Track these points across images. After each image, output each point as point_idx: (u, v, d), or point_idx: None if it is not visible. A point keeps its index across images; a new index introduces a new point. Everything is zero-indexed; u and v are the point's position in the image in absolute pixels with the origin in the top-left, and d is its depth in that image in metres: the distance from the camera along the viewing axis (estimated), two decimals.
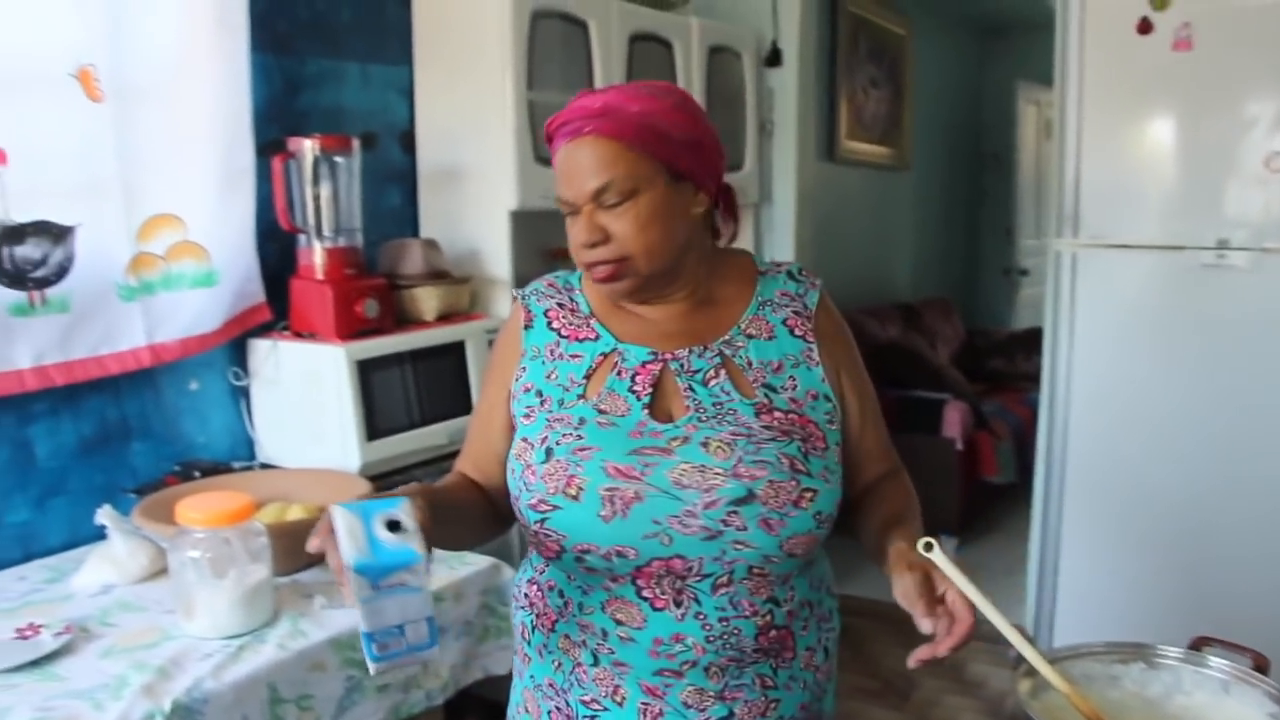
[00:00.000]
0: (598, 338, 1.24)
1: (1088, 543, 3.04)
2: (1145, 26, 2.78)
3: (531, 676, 1.27)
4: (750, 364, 1.22)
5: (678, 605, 1.14)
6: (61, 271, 1.93)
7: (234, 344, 2.26)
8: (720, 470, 1.13)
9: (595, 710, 1.20)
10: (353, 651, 1.60)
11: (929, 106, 6.08)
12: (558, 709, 1.24)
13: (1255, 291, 2.72)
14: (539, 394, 1.22)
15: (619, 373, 1.21)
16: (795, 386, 1.22)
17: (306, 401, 2.21)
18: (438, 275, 2.46)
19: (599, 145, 1.16)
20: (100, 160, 1.97)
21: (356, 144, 2.31)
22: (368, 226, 2.36)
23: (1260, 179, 2.69)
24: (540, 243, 2.75)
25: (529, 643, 1.27)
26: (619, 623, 1.16)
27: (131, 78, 2.00)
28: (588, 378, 1.21)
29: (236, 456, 2.29)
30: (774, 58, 3.60)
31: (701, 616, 1.14)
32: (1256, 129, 2.69)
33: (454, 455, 2.34)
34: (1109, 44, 2.85)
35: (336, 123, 2.48)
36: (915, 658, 1.03)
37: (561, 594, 1.22)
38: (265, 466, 2.26)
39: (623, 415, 1.17)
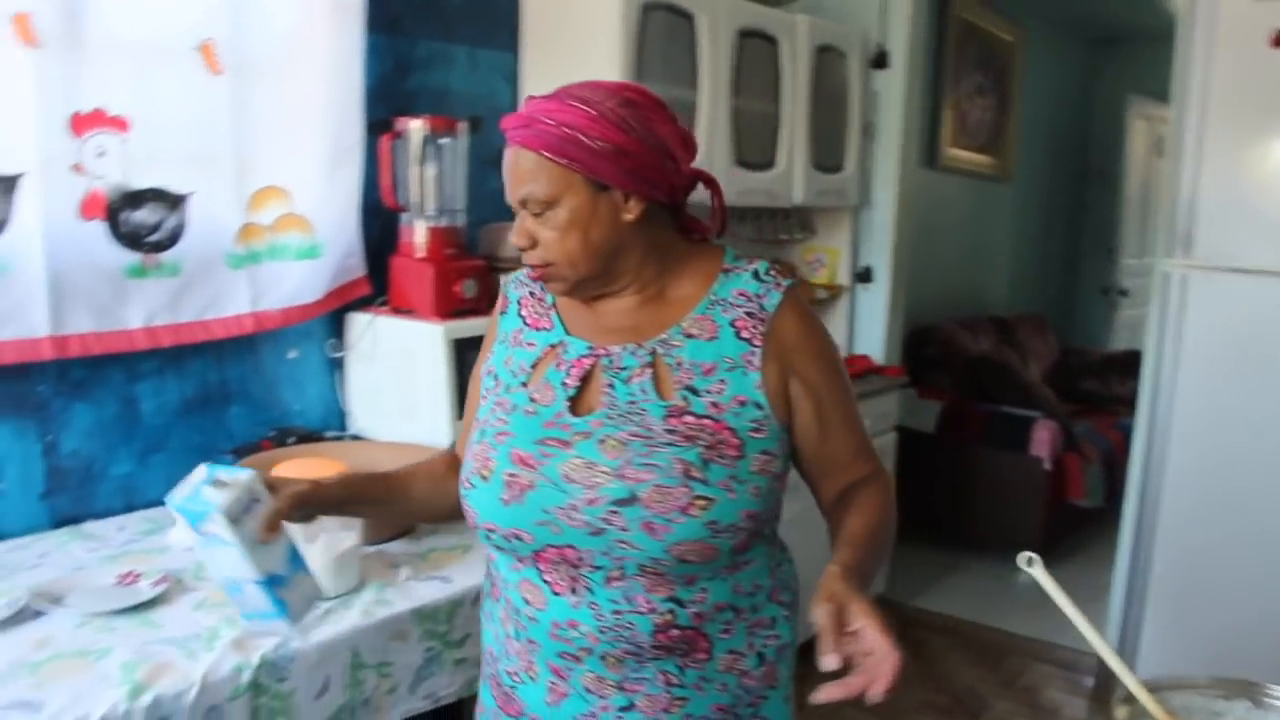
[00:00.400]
0: (551, 328, 1.28)
1: (1178, 575, 2.94)
2: None
3: (485, 641, 1.35)
4: (680, 364, 1.21)
5: (574, 593, 1.18)
6: (174, 237, 2.00)
7: (333, 316, 2.31)
8: (607, 469, 1.15)
9: (515, 682, 1.27)
10: (434, 624, 1.62)
11: (1035, 117, 5.94)
12: (493, 675, 1.32)
13: None
14: (495, 378, 1.29)
15: (558, 364, 1.24)
16: (722, 391, 1.20)
17: (400, 376, 2.25)
18: None
19: (522, 155, 1.19)
20: (216, 132, 2.03)
21: (463, 126, 2.34)
22: (469, 208, 2.39)
23: None
24: None
25: (483, 610, 1.36)
26: (526, 602, 1.21)
27: (250, 53, 2.06)
28: (534, 366, 1.26)
29: (329, 426, 2.34)
30: (880, 60, 3.56)
31: (595, 606, 1.17)
32: None
33: None
34: (1238, 56, 2.74)
35: (443, 105, 2.52)
36: (820, 695, 0.98)
37: (488, 571, 1.31)
38: (356, 438, 2.31)
39: (548, 405, 1.22)
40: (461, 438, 1.37)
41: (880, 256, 3.64)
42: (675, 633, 1.18)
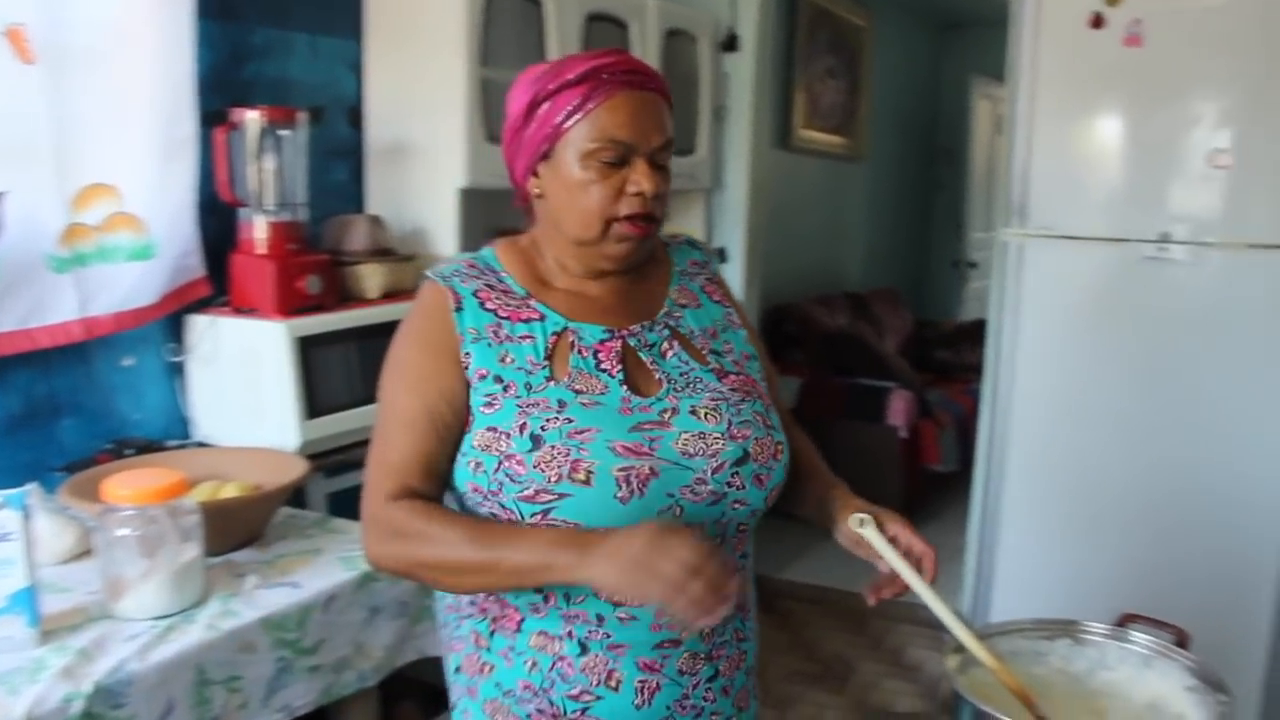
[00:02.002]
0: (543, 318, 1.21)
1: (1025, 528, 3.09)
2: (1098, 21, 2.80)
3: (498, 684, 1.21)
4: (693, 333, 1.26)
5: None
6: None
7: (171, 319, 2.21)
8: (718, 435, 1.16)
9: (586, 701, 1.17)
10: (284, 632, 1.57)
11: (885, 99, 6.11)
12: (539, 710, 1.19)
13: (1194, 285, 2.76)
14: (498, 379, 1.17)
15: (580, 352, 1.19)
16: (732, 350, 1.28)
17: (245, 379, 2.17)
18: (382, 252, 2.42)
19: (661, 105, 1.19)
20: (31, 126, 1.91)
21: (303, 117, 2.26)
22: (312, 202, 2.31)
23: (1203, 175, 2.73)
24: (489, 222, 2.72)
25: (489, 650, 1.22)
26: (617, 604, 1.14)
27: (66, 40, 1.94)
28: (549, 359, 1.18)
29: (172, 435, 2.24)
30: (731, 43, 3.59)
31: None
32: (1200, 126, 2.73)
33: None
34: (1062, 38, 2.87)
35: (283, 95, 2.43)
36: (882, 595, 1.15)
37: (539, 589, 1.16)
38: (201, 445, 2.22)
39: (602, 394, 1.17)
40: (403, 474, 1.16)
41: (734, 237, 3.69)
42: (744, 587, 1.22)
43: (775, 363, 1.38)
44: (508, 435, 1.14)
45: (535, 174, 1.22)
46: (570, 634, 1.17)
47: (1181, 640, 1.06)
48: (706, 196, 3.67)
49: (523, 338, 1.20)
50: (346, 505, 2.45)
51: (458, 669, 1.27)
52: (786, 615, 3.64)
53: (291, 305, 2.15)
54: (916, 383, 4.62)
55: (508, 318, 1.21)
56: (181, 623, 1.50)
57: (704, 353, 1.24)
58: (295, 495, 2.03)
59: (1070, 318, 2.97)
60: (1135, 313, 2.87)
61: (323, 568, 1.72)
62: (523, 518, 1.13)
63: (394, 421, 1.19)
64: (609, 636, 1.16)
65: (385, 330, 2.29)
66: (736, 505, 1.17)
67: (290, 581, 1.67)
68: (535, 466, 1.11)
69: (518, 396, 1.16)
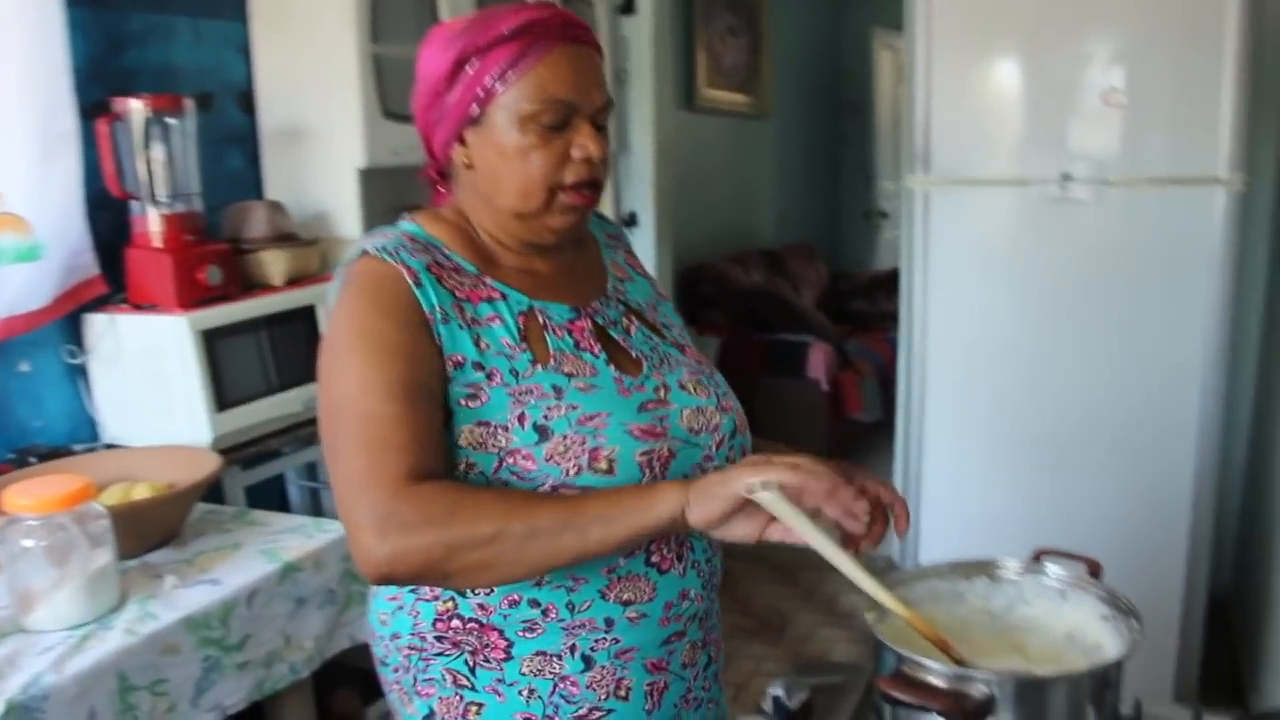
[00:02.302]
0: (504, 296, 1.09)
1: (948, 473, 3.15)
2: None
3: (503, 714, 1.09)
4: (641, 306, 1.20)
5: (679, 559, 1.10)
6: None
7: (67, 320, 2.13)
8: (713, 408, 1.13)
9: (596, 718, 1.09)
10: (208, 630, 1.54)
11: (788, 55, 6.13)
12: None
13: (1096, 222, 2.83)
14: (478, 366, 1.04)
15: (554, 332, 1.09)
16: (671, 323, 1.23)
17: (150, 376, 2.11)
18: (284, 238, 2.36)
19: (599, 61, 1.09)
20: None
21: (190, 104, 2.19)
22: (208, 191, 2.25)
23: (1099, 114, 2.79)
24: (391, 201, 2.67)
25: (472, 688, 1.08)
26: (626, 604, 1.06)
27: None
28: (524, 340, 1.07)
29: (78, 439, 2.17)
30: (628, 6, 3.56)
31: (696, 565, 1.12)
32: (1094, 65, 2.78)
33: (308, 423, 2.30)
34: None
35: (168, 82, 2.35)
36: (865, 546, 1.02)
37: (537, 604, 1.05)
38: (110, 447, 2.15)
39: (593, 376, 1.08)
40: (412, 436, 0.97)
41: (644, 200, 3.68)
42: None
43: (693, 324, 1.39)
44: (505, 429, 1.03)
45: (461, 142, 1.09)
46: (573, 648, 1.07)
47: (1094, 571, 1.09)
48: (613, 161, 3.65)
49: (490, 319, 1.07)
50: (265, 497, 2.41)
51: (429, 715, 1.11)
52: (722, 573, 3.68)
53: (192, 298, 2.09)
54: (835, 335, 4.68)
55: (467, 298, 1.08)
56: (99, 630, 1.46)
57: (658, 326, 1.19)
58: (212, 490, 1.99)
59: (979, 261, 3.02)
60: (1042, 253, 2.92)
61: (243, 562, 1.69)
62: None
63: (378, 397, 0.98)
64: (617, 642, 1.07)
65: (293, 317, 2.27)
66: None
67: (210, 579, 1.63)
68: (548, 460, 1.01)
69: (506, 385, 1.04)
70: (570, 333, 1.10)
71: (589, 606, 1.05)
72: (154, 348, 2.09)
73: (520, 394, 1.03)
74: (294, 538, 1.77)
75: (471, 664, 1.08)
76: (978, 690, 0.83)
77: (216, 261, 2.14)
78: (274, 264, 2.29)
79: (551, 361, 1.07)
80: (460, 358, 1.04)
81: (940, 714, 0.82)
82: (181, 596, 1.57)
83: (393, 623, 1.12)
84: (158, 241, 2.13)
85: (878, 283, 5.73)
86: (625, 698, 1.09)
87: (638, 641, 1.08)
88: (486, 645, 1.07)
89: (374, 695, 2.19)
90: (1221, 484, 2.82)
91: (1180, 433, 2.73)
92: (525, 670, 1.07)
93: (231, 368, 2.10)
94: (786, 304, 4.73)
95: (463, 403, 1.03)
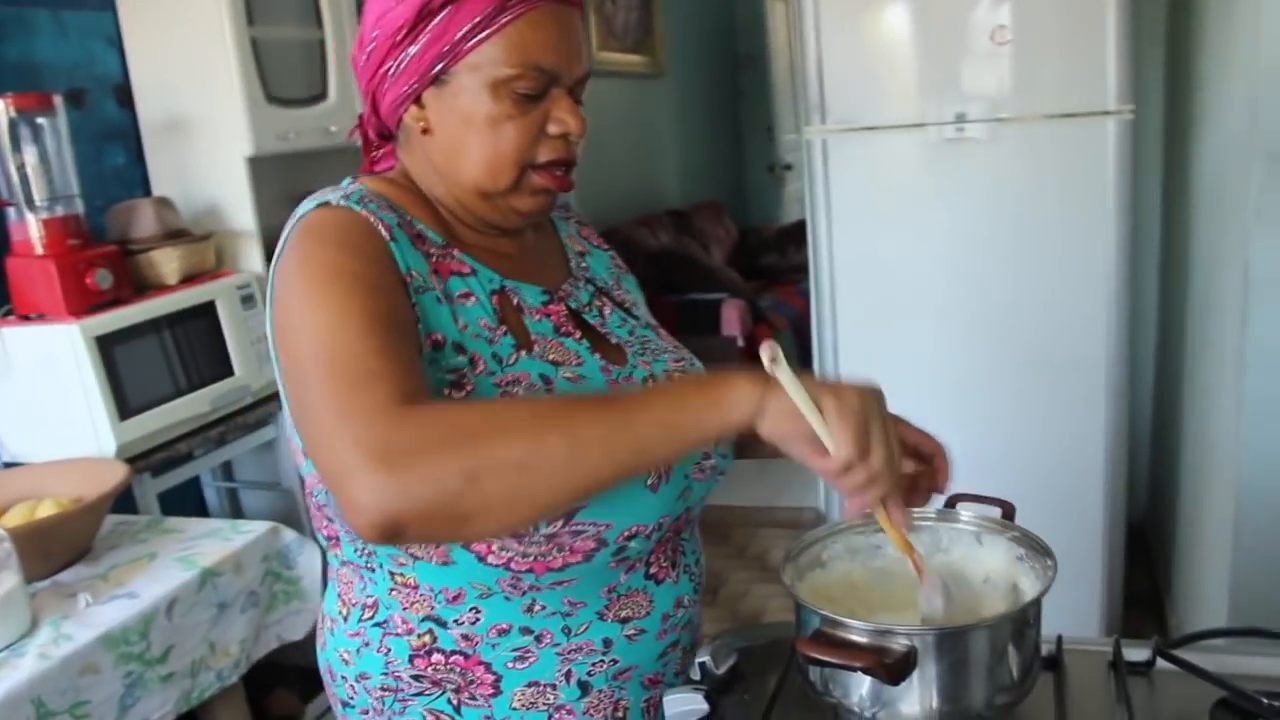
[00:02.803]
0: (474, 272, 0.96)
1: None
2: None
3: None
4: (607, 285, 1.09)
5: (674, 567, 1.02)
6: None
7: None
8: None
9: None
10: (127, 646, 1.50)
11: (681, 12, 6.10)
12: None
13: (993, 161, 2.87)
14: (459, 349, 0.91)
15: (533, 315, 0.98)
16: (637, 300, 1.13)
17: (46, 389, 2.03)
18: (175, 235, 2.29)
19: (573, 18, 0.93)
20: None
21: (59, 101, 2.09)
22: (89, 191, 2.16)
23: (989, 53, 2.82)
24: (285, 189, 2.60)
25: None
26: (625, 621, 0.98)
27: None
28: (503, 323, 0.95)
29: None
30: None
31: (689, 569, 1.05)
32: (981, 4, 2.81)
33: (220, 423, 2.24)
34: None
35: (33, 79, 2.24)
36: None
37: (529, 630, 0.95)
38: (10, 465, 2.07)
39: (579, 366, 0.97)
40: (394, 365, 0.80)
41: None
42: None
43: None
44: None
45: (418, 103, 0.94)
46: (569, 675, 0.98)
47: (1008, 512, 1.10)
48: None
49: (463, 296, 0.94)
50: (180, 503, 2.35)
51: None
52: None
53: (82, 305, 2.02)
54: (747, 290, 4.71)
55: (439, 271, 0.94)
56: (10, 657, 1.41)
57: (629, 306, 1.08)
58: (123, 501, 1.92)
59: (882, 207, 3.05)
60: (943, 194, 2.97)
61: (159, 572, 1.64)
62: (536, 533, 0.90)
63: (353, 333, 0.81)
64: (616, 663, 0.99)
65: (193, 315, 2.20)
66: (720, 474, 1.05)
67: (126, 592, 1.59)
68: None
69: (490, 374, 0.92)
70: (548, 315, 0.99)
71: (586, 629, 0.97)
72: (47, 359, 2.01)
73: (507, 384, 0.92)
74: (211, 542, 1.73)
75: (455, 702, 0.98)
76: (899, 644, 0.84)
77: (105, 265, 2.07)
78: (167, 263, 2.22)
79: (535, 347, 0.95)
80: (440, 336, 0.90)
81: (863, 672, 0.82)
82: (97, 614, 1.52)
83: (358, 662, 0.99)
84: (39, 248, 2.05)
85: (786, 236, 5.78)
86: (623, 719, 1.02)
87: (636, 660, 1.01)
88: (472, 681, 0.97)
89: (313, 692, 2.17)
90: (1132, 413, 2.90)
91: (1089, 364, 2.80)
92: (517, 704, 0.97)
93: (132, 373, 2.03)
94: (696, 263, 4.74)
95: (446, 391, 0.90)
